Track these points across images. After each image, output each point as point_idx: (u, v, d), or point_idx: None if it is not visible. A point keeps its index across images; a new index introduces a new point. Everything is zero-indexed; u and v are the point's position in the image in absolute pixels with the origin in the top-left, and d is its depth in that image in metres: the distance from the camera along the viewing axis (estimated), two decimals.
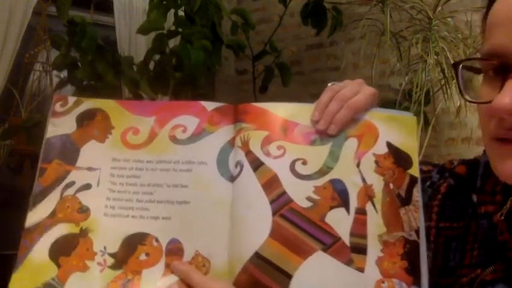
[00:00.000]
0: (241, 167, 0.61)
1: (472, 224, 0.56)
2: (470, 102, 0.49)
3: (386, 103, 2.33)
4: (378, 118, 0.62)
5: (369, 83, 0.64)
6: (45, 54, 2.69)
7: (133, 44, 2.76)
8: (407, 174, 0.60)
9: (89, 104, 0.66)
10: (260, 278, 0.56)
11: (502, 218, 0.51)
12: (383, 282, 0.56)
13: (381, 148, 0.61)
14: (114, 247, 0.59)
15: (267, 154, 0.61)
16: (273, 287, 0.56)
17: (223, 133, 0.64)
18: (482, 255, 0.53)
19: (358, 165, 0.60)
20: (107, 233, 0.60)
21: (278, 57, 2.35)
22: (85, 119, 0.65)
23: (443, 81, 2.06)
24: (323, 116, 0.60)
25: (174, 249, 0.59)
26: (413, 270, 0.57)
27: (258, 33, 2.59)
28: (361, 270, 0.57)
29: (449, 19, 2.04)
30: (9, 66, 2.34)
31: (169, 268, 0.59)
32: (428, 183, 0.64)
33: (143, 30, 1.97)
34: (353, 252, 0.57)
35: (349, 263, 0.57)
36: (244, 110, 0.64)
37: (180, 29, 2.01)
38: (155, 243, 0.60)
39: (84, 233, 0.60)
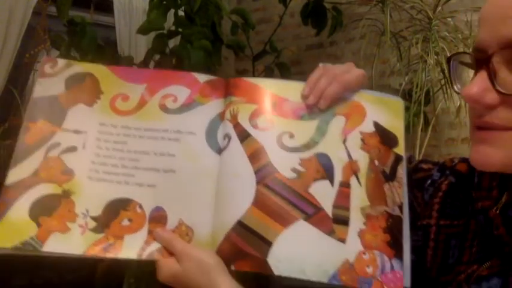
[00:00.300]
0: (229, 138, 0.62)
1: (472, 222, 0.56)
2: (456, 93, 0.51)
3: None
4: (365, 99, 0.63)
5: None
6: (45, 54, 2.69)
7: (133, 44, 2.76)
8: (392, 153, 0.62)
9: (79, 67, 0.65)
10: (242, 246, 0.57)
11: (498, 212, 0.51)
12: (364, 253, 0.57)
13: (367, 127, 0.62)
14: (97, 211, 0.59)
15: (255, 126, 0.62)
16: (253, 254, 0.56)
17: (213, 106, 0.64)
18: (480, 252, 0.53)
19: (344, 141, 0.61)
20: (90, 196, 0.60)
21: (278, 57, 2.35)
22: (74, 81, 0.64)
23: (443, 81, 2.06)
24: (313, 91, 0.61)
25: (158, 217, 0.59)
26: (395, 244, 0.57)
27: (258, 33, 2.58)
28: (342, 240, 0.57)
29: (449, 19, 2.04)
30: (9, 66, 2.34)
31: (152, 235, 0.59)
32: (429, 181, 0.64)
33: (143, 30, 1.97)
34: (335, 223, 0.58)
35: (330, 233, 0.57)
36: (235, 84, 0.65)
37: (180, 29, 2.01)
38: (139, 210, 0.59)
39: (66, 194, 0.59)
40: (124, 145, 0.62)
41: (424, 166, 0.67)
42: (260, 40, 2.48)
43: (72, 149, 0.61)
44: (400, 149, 0.62)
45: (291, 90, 0.64)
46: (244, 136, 0.61)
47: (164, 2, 1.94)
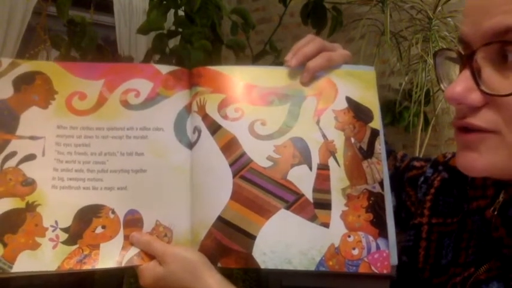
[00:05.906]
0: (199, 132, 0.60)
1: (468, 221, 0.54)
2: (442, 90, 0.49)
3: (386, 103, 2.34)
4: (335, 74, 0.62)
5: None
6: (45, 54, 2.69)
7: (133, 44, 2.76)
8: (368, 128, 0.60)
9: (26, 66, 0.60)
10: (225, 242, 0.56)
11: (495, 213, 0.48)
12: (349, 236, 0.56)
13: (340, 104, 0.61)
14: (67, 221, 0.56)
15: (225, 117, 0.60)
16: (238, 250, 0.55)
17: (179, 98, 0.61)
18: (476, 253, 0.51)
19: (318, 122, 0.60)
20: (58, 206, 0.56)
21: (278, 57, 2.35)
22: (23, 82, 0.59)
23: None
24: (296, 55, 0.60)
25: (133, 220, 0.57)
26: (379, 223, 0.56)
27: (258, 33, 2.59)
28: (326, 225, 0.56)
29: (449, 19, 2.04)
30: None
31: (128, 240, 0.56)
32: (422, 179, 0.62)
33: (143, 30, 1.97)
34: (317, 208, 0.57)
35: (313, 219, 0.57)
36: (199, 73, 0.62)
37: (180, 29, 2.01)
38: (111, 215, 0.57)
39: (31, 207, 0.55)
40: (87, 148, 0.58)
41: (416, 164, 0.65)
42: (260, 40, 2.48)
43: (30, 157, 0.57)
44: (376, 123, 0.60)
45: (258, 75, 0.62)
46: (214, 128, 0.59)
47: (164, 2, 1.94)
